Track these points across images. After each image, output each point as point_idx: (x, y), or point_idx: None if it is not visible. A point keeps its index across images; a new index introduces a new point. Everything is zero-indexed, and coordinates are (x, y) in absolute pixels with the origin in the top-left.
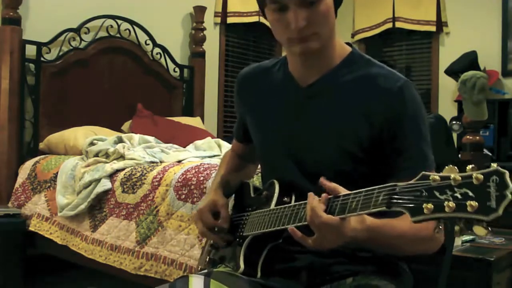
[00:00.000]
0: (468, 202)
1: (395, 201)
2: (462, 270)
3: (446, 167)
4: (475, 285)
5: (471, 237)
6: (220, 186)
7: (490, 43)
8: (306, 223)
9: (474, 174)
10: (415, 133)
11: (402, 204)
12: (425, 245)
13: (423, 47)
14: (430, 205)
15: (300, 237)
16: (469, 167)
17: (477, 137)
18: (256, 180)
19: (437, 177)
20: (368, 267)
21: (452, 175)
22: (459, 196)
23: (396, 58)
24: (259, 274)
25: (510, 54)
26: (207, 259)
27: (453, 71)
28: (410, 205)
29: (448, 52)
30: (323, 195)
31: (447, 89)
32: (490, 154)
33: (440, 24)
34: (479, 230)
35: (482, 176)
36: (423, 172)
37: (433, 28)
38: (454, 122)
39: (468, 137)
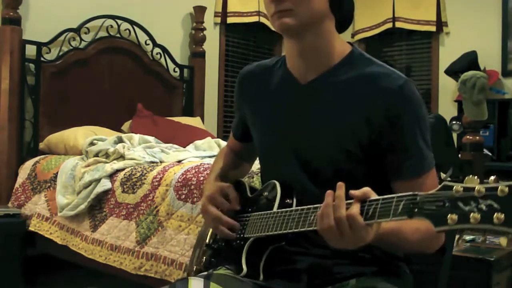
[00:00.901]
0: (495, 215)
1: (416, 210)
2: (462, 270)
3: (467, 177)
4: (475, 285)
5: (471, 237)
6: (219, 178)
7: (490, 43)
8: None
9: (500, 187)
10: (415, 133)
11: (425, 214)
12: (429, 245)
13: (423, 47)
14: (454, 216)
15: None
16: (492, 178)
17: (477, 137)
18: (256, 180)
19: (460, 188)
20: (369, 267)
21: (477, 187)
22: (484, 208)
23: (396, 58)
24: (261, 277)
25: (510, 54)
26: (203, 259)
27: (453, 71)
28: (434, 215)
29: (448, 52)
30: (354, 200)
31: (447, 89)
32: (490, 154)
33: (440, 24)
34: (504, 241)
35: (507, 189)
36: (445, 183)
37: (433, 28)
38: (454, 122)
39: (468, 137)
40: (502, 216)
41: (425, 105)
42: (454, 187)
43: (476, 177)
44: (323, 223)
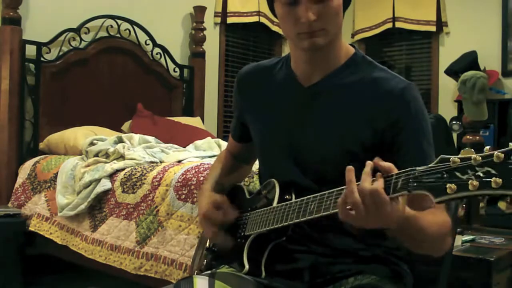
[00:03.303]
0: (493, 179)
1: (416, 184)
2: (462, 270)
3: (462, 150)
4: (475, 285)
5: (471, 237)
6: (214, 189)
7: (490, 43)
8: (326, 213)
9: (495, 153)
10: (417, 135)
11: (424, 187)
12: (441, 244)
13: (423, 47)
14: (453, 185)
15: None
16: (487, 148)
17: (477, 137)
18: (256, 180)
19: (456, 159)
20: (369, 266)
21: (473, 156)
22: (481, 175)
23: (396, 58)
24: (263, 274)
25: (510, 54)
26: (204, 262)
27: (453, 71)
28: (433, 187)
29: (448, 52)
30: (378, 173)
31: (447, 89)
32: None
33: (440, 24)
34: (503, 205)
35: (503, 155)
36: (442, 156)
37: (433, 28)
38: (454, 122)
39: (468, 137)
40: (500, 180)
41: (426, 109)
42: (451, 159)
43: (472, 149)
44: (348, 200)
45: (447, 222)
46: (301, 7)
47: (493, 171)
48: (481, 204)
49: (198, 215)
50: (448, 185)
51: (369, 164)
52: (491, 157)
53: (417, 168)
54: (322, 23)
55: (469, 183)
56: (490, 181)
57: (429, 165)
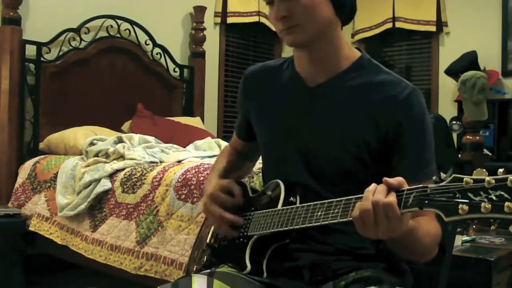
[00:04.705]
0: (506, 204)
1: (427, 202)
2: (462, 270)
3: (475, 171)
4: (475, 285)
5: (471, 237)
6: (221, 176)
7: (490, 43)
8: (333, 221)
9: (510, 178)
10: (418, 141)
11: (436, 205)
12: (430, 253)
13: (423, 47)
14: (465, 206)
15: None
16: (500, 170)
17: (477, 137)
18: (256, 180)
19: (470, 180)
20: (370, 264)
21: (486, 178)
22: (494, 198)
23: (396, 58)
24: (265, 274)
25: (510, 54)
26: (204, 259)
27: (453, 71)
28: (444, 206)
29: (448, 52)
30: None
31: (447, 89)
32: (490, 154)
33: (440, 24)
34: None
35: None
36: (455, 175)
37: (433, 28)
38: (454, 122)
39: (468, 137)
40: None
41: (428, 114)
42: (464, 179)
43: (484, 170)
44: (360, 206)
45: (439, 233)
46: (275, 6)
47: (506, 195)
48: (492, 227)
49: (199, 213)
50: (460, 206)
51: (386, 179)
52: (505, 181)
53: (430, 185)
54: (295, 20)
55: (481, 205)
56: (503, 205)
57: (442, 184)
